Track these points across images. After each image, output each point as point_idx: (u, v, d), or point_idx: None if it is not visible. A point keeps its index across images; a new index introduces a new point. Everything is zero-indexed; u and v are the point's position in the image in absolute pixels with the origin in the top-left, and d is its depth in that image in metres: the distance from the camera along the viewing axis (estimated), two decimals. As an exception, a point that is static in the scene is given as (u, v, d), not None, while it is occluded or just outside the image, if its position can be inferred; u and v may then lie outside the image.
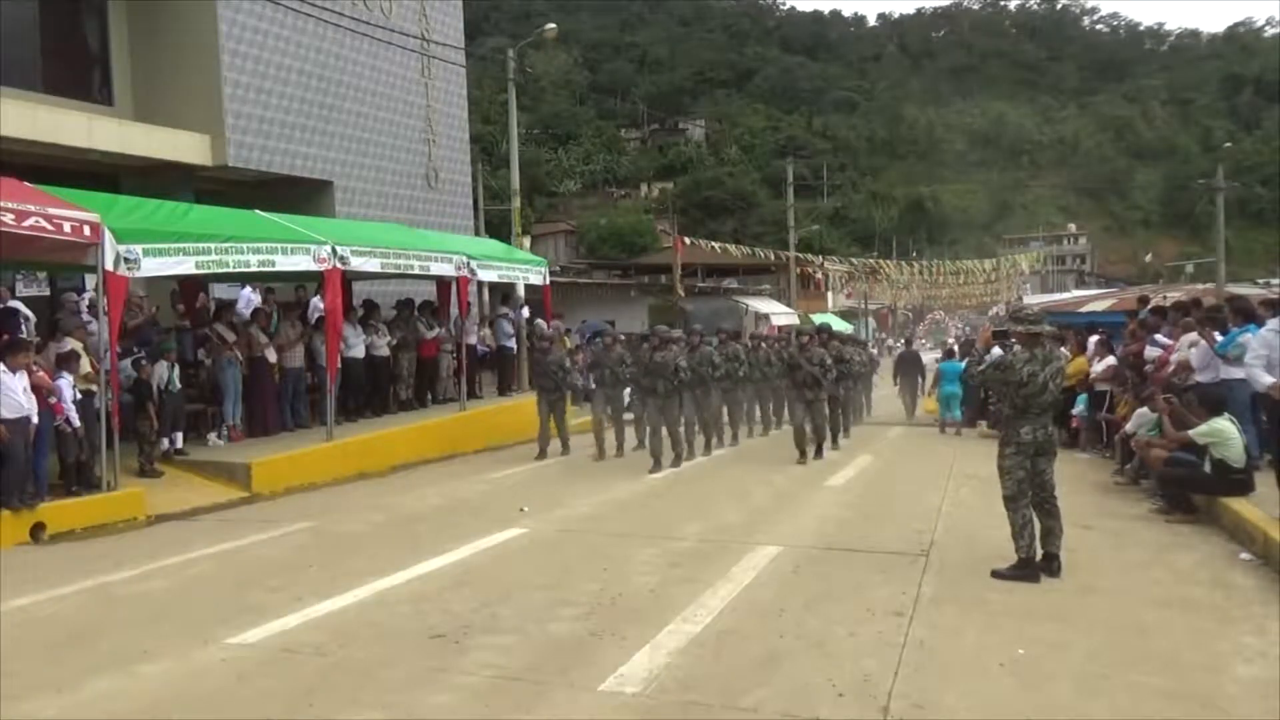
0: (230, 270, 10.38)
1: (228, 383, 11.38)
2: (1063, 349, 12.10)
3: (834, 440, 13.41)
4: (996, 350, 7.09)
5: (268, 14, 14.53)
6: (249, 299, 13.35)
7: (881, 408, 21.32)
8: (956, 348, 22.86)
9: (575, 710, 4.02)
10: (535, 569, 6.50)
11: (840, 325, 34.58)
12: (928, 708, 3.97)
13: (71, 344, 8.99)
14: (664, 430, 11.48)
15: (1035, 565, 5.94)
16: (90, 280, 10.68)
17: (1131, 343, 11.39)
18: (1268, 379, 7.40)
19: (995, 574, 5.98)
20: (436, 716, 3.99)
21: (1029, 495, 6.03)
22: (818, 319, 35.40)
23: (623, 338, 13.81)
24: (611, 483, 9.85)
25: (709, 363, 12.50)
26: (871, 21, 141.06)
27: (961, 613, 5.31)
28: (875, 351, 42.38)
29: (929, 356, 25.26)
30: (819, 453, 12.33)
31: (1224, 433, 7.52)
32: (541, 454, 12.51)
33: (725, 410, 13.92)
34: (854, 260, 57.94)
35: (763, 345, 15.82)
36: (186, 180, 13.96)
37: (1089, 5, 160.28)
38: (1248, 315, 9.20)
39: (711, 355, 12.77)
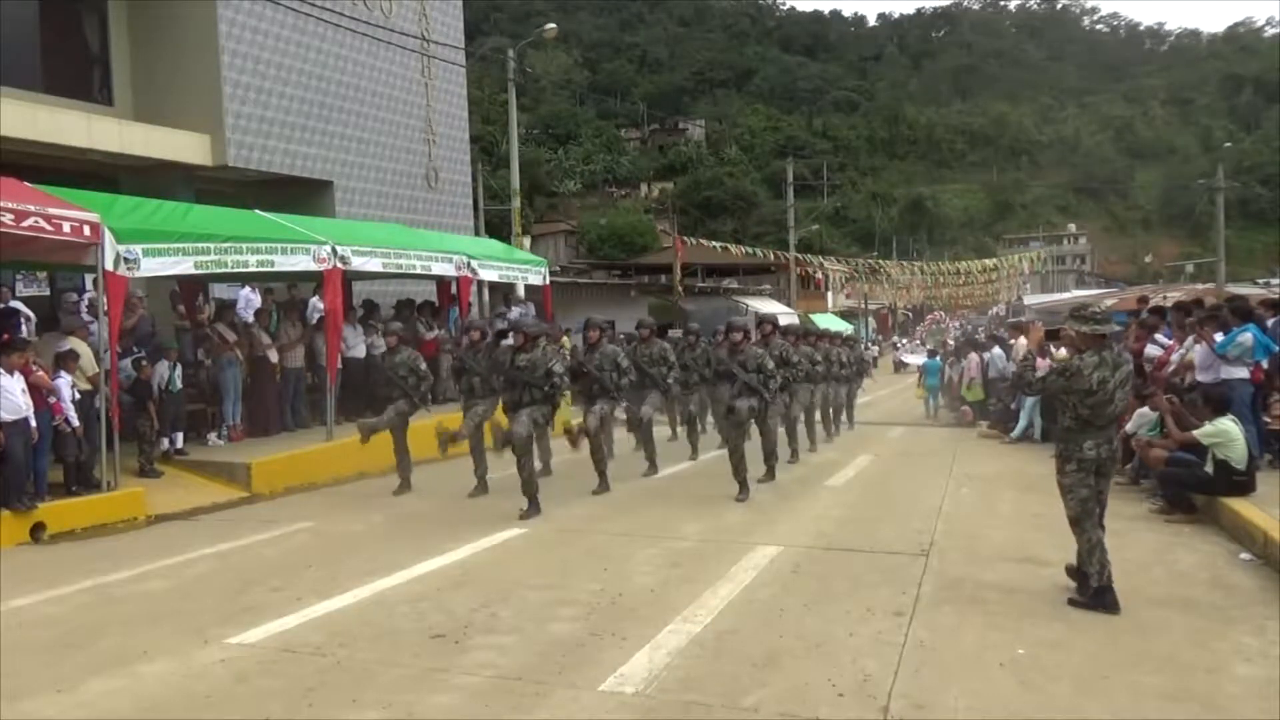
0: (230, 270, 10.38)
1: (228, 383, 11.38)
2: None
3: (771, 469, 10.17)
4: (1063, 352, 6.21)
5: (268, 14, 14.54)
6: (248, 299, 13.35)
7: (881, 407, 21.37)
8: (956, 349, 23.12)
9: (575, 710, 4.01)
10: (535, 569, 6.50)
11: (840, 325, 34.60)
12: (928, 708, 3.97)
13: (71, 344, 8.99)
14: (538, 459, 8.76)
15: (1113, 592, 5.30)
16: (90, 280, 10.68)
17: (1132, 343, 11.39)
18: None
19: (1072, 602, 5.39)
20: (436, 716, 3.99)
21: (1095, 514, 5.42)
22: (818, 319, 35.48)
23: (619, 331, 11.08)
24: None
25: (613, 365, 9.44)
26: (871, 21, 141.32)
27: (961, 613, 5.31)
28: (876, 351, 42.47)
29: (916, 359, 27.99)
30: (770, 475, 10.05)
31: (1229, 433, 7.52)
32: (404, 485, 9.99)
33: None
34: (854, 260, 57.98)
35: (700, 341, 12.10)
36: (186, 180, 13.97)
37: (1089, 5, 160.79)
38: (1246, 315, 9.22)
39: (616, 355, 9.57)
